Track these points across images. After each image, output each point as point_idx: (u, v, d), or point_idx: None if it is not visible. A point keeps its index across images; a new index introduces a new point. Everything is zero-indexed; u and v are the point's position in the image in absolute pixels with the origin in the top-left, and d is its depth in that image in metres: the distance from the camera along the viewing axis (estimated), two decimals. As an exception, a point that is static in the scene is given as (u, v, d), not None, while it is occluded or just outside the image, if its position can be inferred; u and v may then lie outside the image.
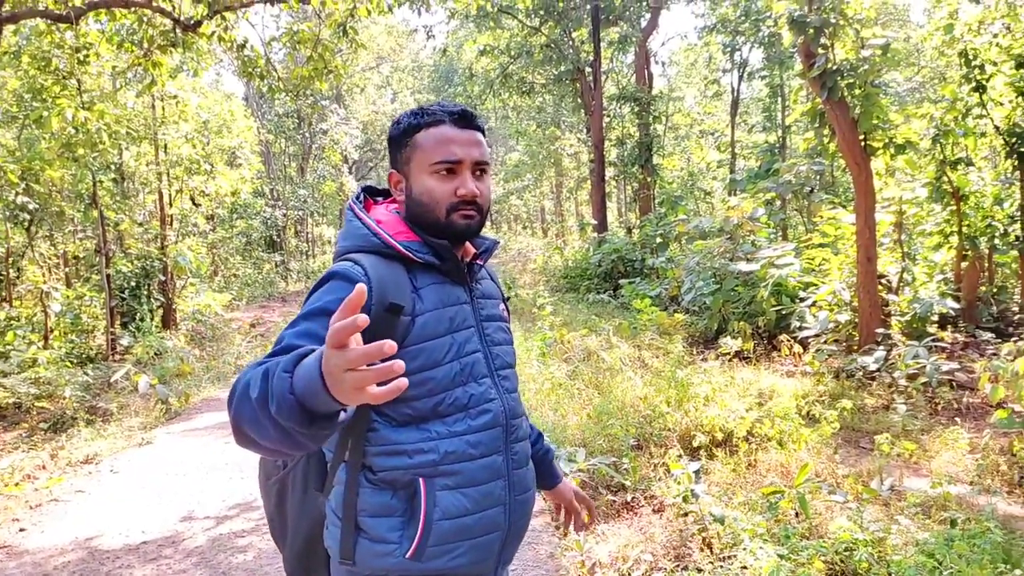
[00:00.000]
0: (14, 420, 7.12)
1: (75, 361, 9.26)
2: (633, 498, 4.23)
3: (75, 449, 6.05)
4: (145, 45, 8.60)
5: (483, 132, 1.49)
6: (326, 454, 1.45)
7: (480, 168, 1.44)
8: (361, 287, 0.90)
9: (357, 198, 1.54)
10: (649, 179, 17.23)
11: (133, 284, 11.45)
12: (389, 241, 1.40)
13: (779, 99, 17.72)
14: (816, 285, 8.16)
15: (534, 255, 23.33)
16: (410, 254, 1.40)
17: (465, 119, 1.44)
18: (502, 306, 1.60)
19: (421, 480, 1.35)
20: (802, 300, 8.08)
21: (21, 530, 4.47)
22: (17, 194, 9.73)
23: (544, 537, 3.90)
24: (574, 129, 24.99)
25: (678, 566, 3.30)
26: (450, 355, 1.39)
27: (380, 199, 1.59)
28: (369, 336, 1.23)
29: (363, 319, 0.87)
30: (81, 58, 8.80)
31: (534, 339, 8.24)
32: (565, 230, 27.75)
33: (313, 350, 1.03)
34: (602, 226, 17.34)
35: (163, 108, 12.03)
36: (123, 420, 6.99)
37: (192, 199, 13.94)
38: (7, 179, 9.22)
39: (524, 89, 19.74)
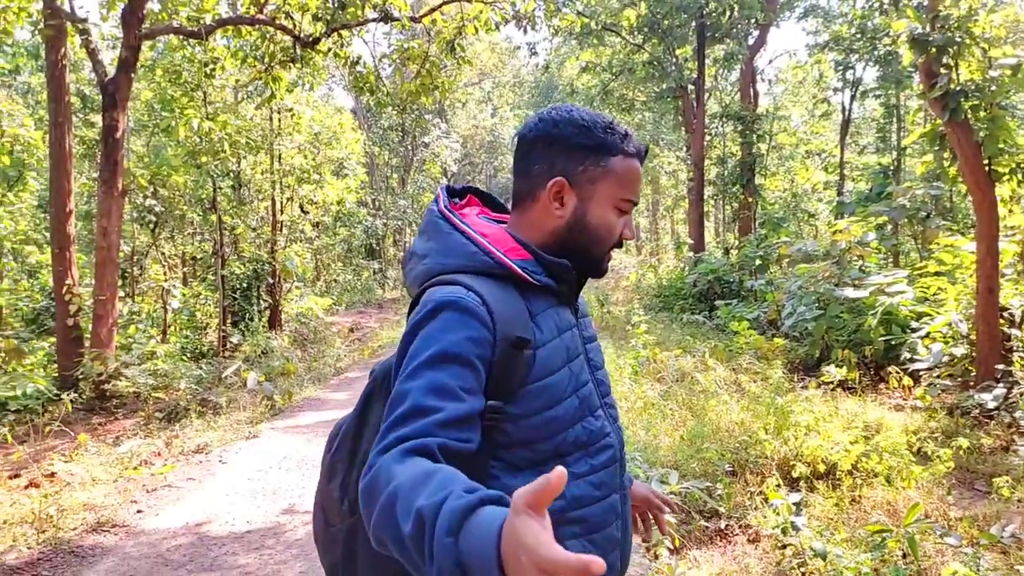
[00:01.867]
0: (133, 408, 7.63)
1: (189, 356, 9.85)
2: (727, 526, 4.12)
3: (188, 439, 6.43)
4: (267, 60, 9.11)
5: None
6: None
7: None
8: (561, 472, 0.75)
9: (447, 205, 1.33)
10: (750, 199, 16.81)
11: (244, 285, 12.07)
12: (505, 261, 1.22)
13: (895, 119, 16.96)
14: (930, 315, 7.74)
15: (627, 272, 23.12)
16: (528, 276, 1.23)
17: (643, 158, 1.33)
18: (592, 321, 1.47)
19: None
20: (914, 331, 7.68)
21: (138, 512, 4.78)
22: (145, 197, 10.46)
23: (634, 558, 3.85)
24: (673, 147, 24.69)
25: (775, 599, 3.20)
26: (569, 389, 1.24)
27: (458, 200, 1.41)
28: (497, 374, 1.14)
29: None
30: (208, 72, 9.41)
31: (626, 357, 8.17)
32: (660, 248, 27.39)
33: (479, 499, 0.85)
34: (699, 245, 17.02)
35: (279, 120, 12.69)
36: (231, 414, 7.37)
37: (301, 207, 14.59)
38: (137, 183, 9.93)
39: (624, 106, 19.65)
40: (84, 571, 3.89)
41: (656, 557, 3.72)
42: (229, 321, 11.47)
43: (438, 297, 1.17)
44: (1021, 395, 5.78)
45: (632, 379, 7.41)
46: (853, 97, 17.74)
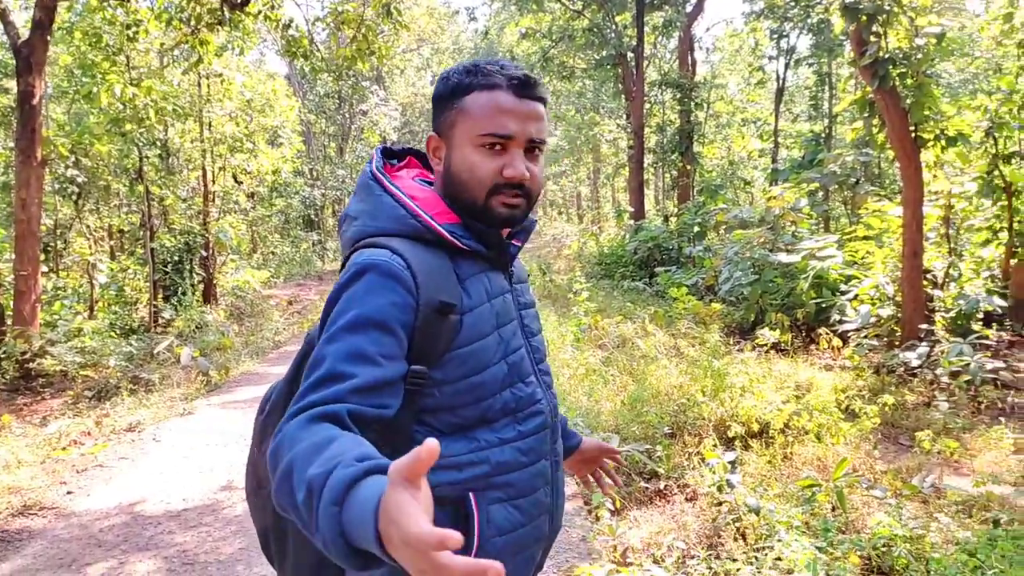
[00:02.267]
0: (60, 387, 7.35)
1: (119, 332, 9.51)
2: (666, 486, 4.22)
3: (119, 417, 6.22)
4: (193, 23, 8.72)
5: (545, 103, 1.26)
6: None
7: (534, 146, 1.23)
8: (432, 444, 0.71)
9: (379, 166, 1.30)
10: (688, 167, 17.03)
11: (176, 259, 11.69)
12: (432, 225, 1.20)
13: (827, 87, 17.34)
14: (858, 278, 8.01)
15: (569, 241, 23.26)
16: (456, 241, 1.21)
17: (527, 87, 1.22)
18: (532, 289, 1.47)
19: (471, 495, 1.20)
20: (843, 293, 7.94)
21: (68, 493, 4.62)
22: (67, 167, 9.98)
23: (576, 520, 3.91)
24: (613, 115, 24.77)
25: (711, 555, 3.29)
26: (498, 355, 1.23)
27: (396, 162, 1.38)
28: (420, 339, 1.14)
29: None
30: (130, 35, 8.96)
31: (568, 325, 8.24)
32: (601, 217, 27.59)
33: (365, 469, 0.83)
34: (639, 213, 17.20)
35: (208, 86, 12.21)
36: (165, 390, 7.16)
37: (234, 177, 14.15)
38: (57, 152, 9.45)
39: (565, 74, 19.57)
40: (10, 556, 3.74)
41: (597, 519, 3.78)
42: (160, 296, 11.11)
43: (362, 260, 1.16)
44: (942, 353, 6.05)
45: (574, 346, 7.48)
46: (787, 65, 18.06)
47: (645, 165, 18.49)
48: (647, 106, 18.23)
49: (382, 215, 1.23)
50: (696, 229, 13.68)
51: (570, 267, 17.48)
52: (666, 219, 17.21)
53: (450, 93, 1.24)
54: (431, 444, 0.71)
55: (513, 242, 1.33)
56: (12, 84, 9.93)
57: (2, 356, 7.26)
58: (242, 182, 14.52)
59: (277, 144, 16.32)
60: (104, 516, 4.24)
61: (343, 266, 1.24)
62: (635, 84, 17.13)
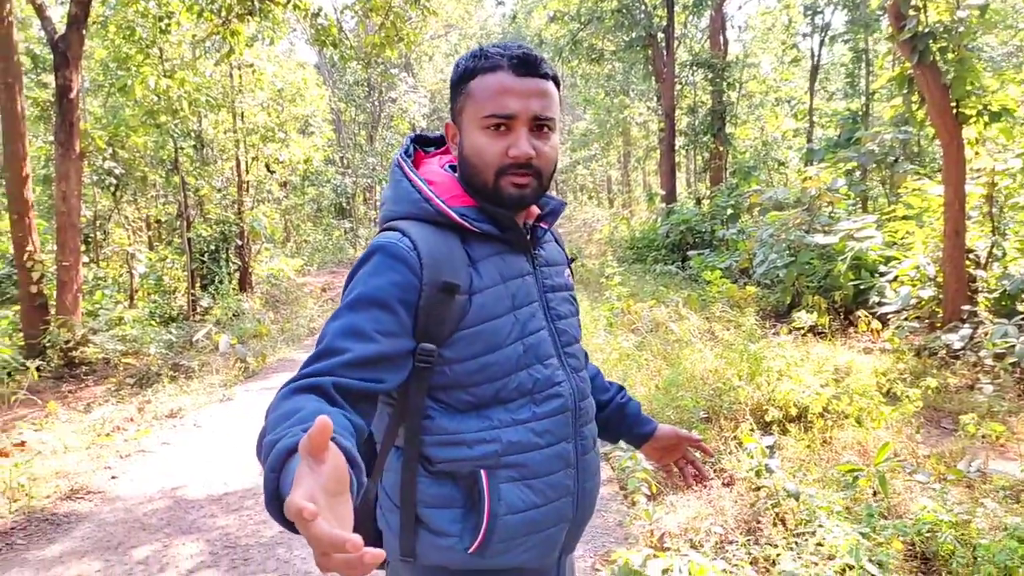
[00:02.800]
0: (103, 375, 7.52)
1: (158, 320, 9.70)
2: (703, 470, 4.18)
3: (160, 403, 6.36)
4: (223, 14, 8.78)
5: (554, 80, 1.26)
6: (374, 433, 1.31)
7: (541, 124, 1.23)
8: (322, 421, 0.73)
9: (406, 152, 1.35)
10: (721, 148, 16.77)
11: (212, 248, 11.86)
12: (442, 208, 1.24)
13: (863, 64, 16.92)
14: (898, 259, 7.84)
15: (600, 225, 23.12)
16: (466, 223, 1.24)
17: (527, 65, 1.22)
18: (567, 272, 1.44)
19: (483, 472, 1.22)
20: (882, 275, 7.78)
21: (113, 478, 4.74)
22: (104, 159, 10.16)
23: (612, 505, 3.90)
24: (644, 97, 24.48)
25: (750, 540, 3.26)
26: (513, 336, 1.25)
27: (432, 149, 1.42)
28: (425, 318, 1.18)
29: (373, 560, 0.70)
30: (163, 27, 9.06)
31: (601, 309, 8.20)
32: (632, 200, 27.38)
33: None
34: (670, 196, 17.01)
35: (240, 76, 12.33)
36: (204, 377, 7.29)
37: (267, 166, 14.29)
38: (95, 145, 9.63)
39: (594, 56, 19.34)
40: (60, 538, 3.85)
41: (633, 503, 3.77)
42: (198, 284, 11.29)
43: (375, 242, 1.23)
44: (986, 335, 5.90)
45: (607, 330, 7.45)
46: (822, 42, 17.66)
47: (676, 147, 18.24)
48: (678, 87, 17.97)
49: (402, 200, 1.28)
50: (729, 211, 13.50)
51: (601, 251, 17.39)
52: (698, 201, 17.01)
53: (459, 80, 1.27)
54: (321, 420, 0.73)
55: (540, 225, 1.35)
56: (50, 79, 10.13)
57: (47, 345, 7.45)
58: (275, 171, 14.66)
59: (308, 133, 16.45)
60: (148, 500, 4.34)
61: None
62: (665, 65, 16.89)
